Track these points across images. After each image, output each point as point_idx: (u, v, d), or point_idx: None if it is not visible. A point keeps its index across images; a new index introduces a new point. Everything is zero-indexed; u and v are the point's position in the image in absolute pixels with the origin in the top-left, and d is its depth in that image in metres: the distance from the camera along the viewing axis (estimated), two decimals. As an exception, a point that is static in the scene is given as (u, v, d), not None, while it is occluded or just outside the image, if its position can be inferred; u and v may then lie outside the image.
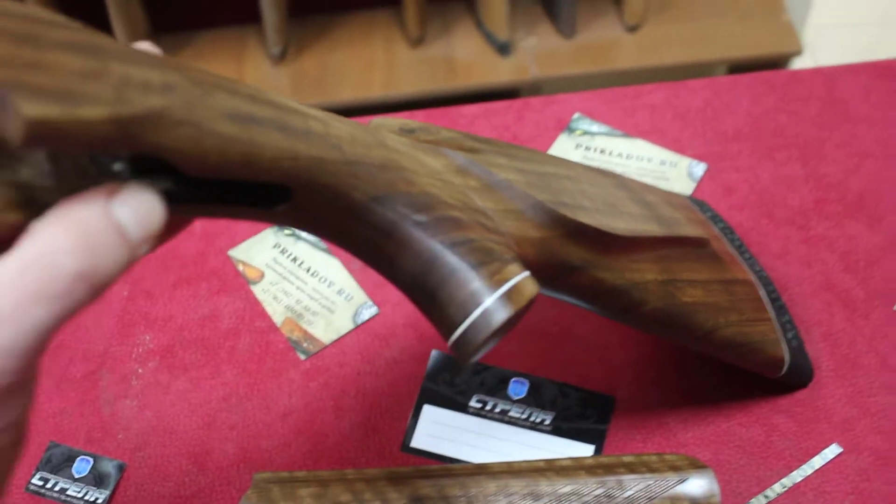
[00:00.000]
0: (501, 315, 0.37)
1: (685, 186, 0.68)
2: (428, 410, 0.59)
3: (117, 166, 0.30)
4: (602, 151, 0.70)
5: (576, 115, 0.72)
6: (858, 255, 0.65)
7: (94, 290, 0.28)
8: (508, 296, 0.37)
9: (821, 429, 0.58)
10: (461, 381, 0.60)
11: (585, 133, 0.71)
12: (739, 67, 1.77)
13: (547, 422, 0.58)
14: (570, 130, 0.71)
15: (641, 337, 0.61)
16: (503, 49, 1.59)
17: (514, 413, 0.59)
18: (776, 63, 1.65)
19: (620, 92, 0.74)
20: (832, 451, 0.57)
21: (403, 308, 0.64)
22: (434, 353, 0.61)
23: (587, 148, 0.70)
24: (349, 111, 1.51)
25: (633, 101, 0.73)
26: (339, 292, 0.65)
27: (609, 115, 0.73)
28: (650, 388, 0.60)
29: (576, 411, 0.59)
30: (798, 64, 1.84)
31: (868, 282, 0.63)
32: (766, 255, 0.65)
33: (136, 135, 0.27)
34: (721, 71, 1.84)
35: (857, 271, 0.64)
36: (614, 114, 0.73)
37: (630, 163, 0.69)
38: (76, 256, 0.27)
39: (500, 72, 1.57)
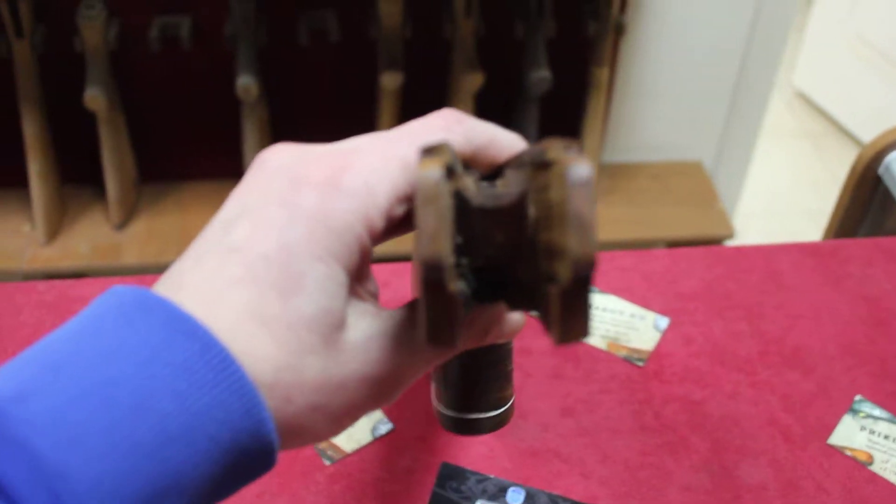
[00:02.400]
0: (504, 420, 0.51)
1: (652, 336, 0.81)
2: (438, 512, 0.69)
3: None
4: (582, 303, 0.83)
5: (560, 272, 0.86)
6: (795, 398, 0.78)
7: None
8: (509, 409, 0.52)
9: (767, 540, 0.69)
10: (466, 488, 0.70)
11: (568, 287, 0.84)
12: (677, 245, 1.95)
13: (539, 525, 0.69)
14: (555, 284, 0.85)
15: (614, 455, 0.73)
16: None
17: (512, 517, 0.69)
18: (709, 244, 1.83)
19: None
20: (777, 558, 0.68)
21: (416, 425, 0.74)
22: (443, 464, 0.72)
23: (569, 299, 0.83)
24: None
25: (607, 265, 0.87)
26: (359, 410, 0.75)
27: (587, 273, 0.86)
28: (625, 500, 0.70)
29: (563, 518, 0.69)
30: (733, 243, 2.03)
31: (804, 420, 0.76)
32: (719, 395, 0.77)
33: None
34: (661, 246, 2.02)
35: (794, 411, 0.77)
36: (592, 272, 0.86)
37: (605, 314, 0.82)
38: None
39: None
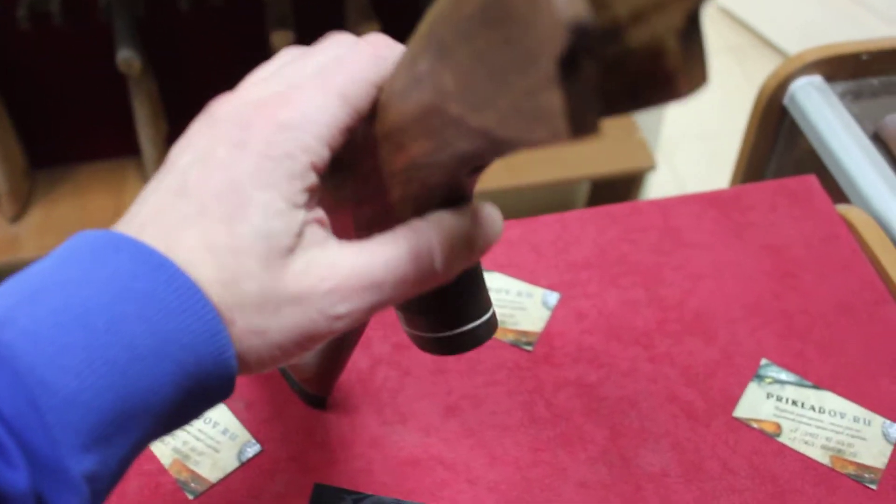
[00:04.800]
0: (496, 321, 0.47)
1: (541, 315, 0.74)
2: (312, 541, 0.63)
3: None
4: (465, 285, 0.76)
5: (440, 252, 0.79)
6: (698, 369, 0.72)
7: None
8: (494, 311, 0.47)
9: (672, 532, 0.64)
10: (343, 510, 0.64)
11: (449, 268, 0.77)
12: (600, 183, 1.89)
13: (424, 544, 0.63)
14: (435, 266, 0.78)
15: (503, 456, 0.67)
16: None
17: (394, 538, 0.63)
18: (633, 178, 1.77)
19: (479, 228, 0.81)
20: (683, 552, 0.63)
21: (286, 444, 0.67)
22: (315, 485, 0.65)
23: (451, 282, 0.76)
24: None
25: (492, 237, 0.80)
26: (224, 432, 0.68)
27: (470, 250, 0.79)
28: (518, 505, 0.65)
29: (451, 532, 0.63)
30: (656, 175, 1.97)
31: (707, 393, 0.70)
32: (615, 374, 0.71)
33: None
34: (584, 186, 1.95)
35: (697, 384, 0.71)
36: (475, 249, 0.79)
37: (490, 295, 0.75)
38: (435, 248, 0.37)
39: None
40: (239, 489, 0.66)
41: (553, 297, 0.76)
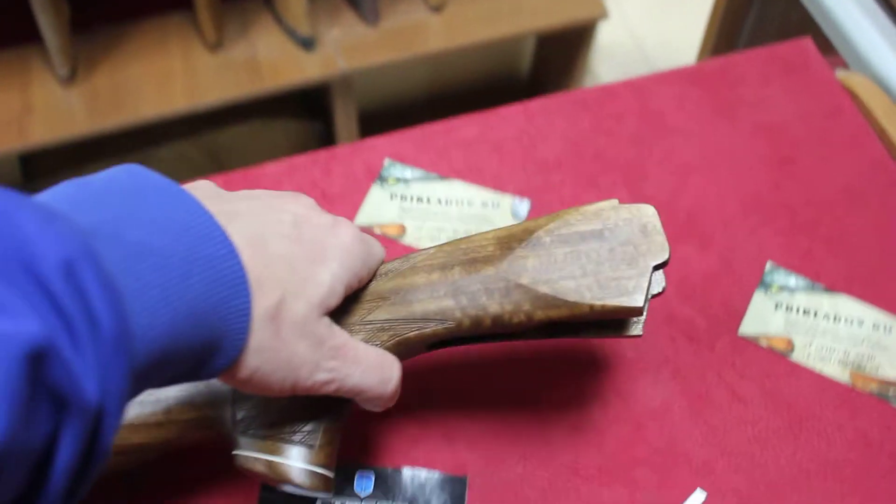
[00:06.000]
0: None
1: (511, 229, 0.64)
2: (269, 526, 0.54)
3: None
4: (419, 199, 0.66)
5: (386, 162, 0.67)
6: (694, 280, 0.63)
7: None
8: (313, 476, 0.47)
9: (682, 476, 0.56)
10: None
11: (399, 181, 0.66)
12: (548, 37, 1.76)
13: (400, 516, 0.54)
14: (383, 179, 0.67)
15: (482, 405, 0.58)
16: (307, 44, 1.52)
17: (364, 513, 0.54)
18: (583, 29, 1.64)
19: (430, 129, 0.69)
20: (698, 497, 0.55)
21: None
22: (268, 458, 0.56)
23: (403, 197, 0.66)
24: (151, 127, 1.42)
25: (445, 139, 0.69)
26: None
27: (422, 157, 0.68)
28: (501, 463, 0.56)
29: (428, 498, 0.55)
30: (606, 26, 1.85)
31: (708, 309, 0.61)
32: (602, 293, 0.62)
33: None
34: (530, 42, 1.82)
35: (695, 299, 0.62)
36: (427, 155, 0.68)
37: (450, 209, 0.65)
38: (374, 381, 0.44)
39: (307, 68, 1.50)
40: (187, 468, 0.56)
41: (524, 206, 0.65)
